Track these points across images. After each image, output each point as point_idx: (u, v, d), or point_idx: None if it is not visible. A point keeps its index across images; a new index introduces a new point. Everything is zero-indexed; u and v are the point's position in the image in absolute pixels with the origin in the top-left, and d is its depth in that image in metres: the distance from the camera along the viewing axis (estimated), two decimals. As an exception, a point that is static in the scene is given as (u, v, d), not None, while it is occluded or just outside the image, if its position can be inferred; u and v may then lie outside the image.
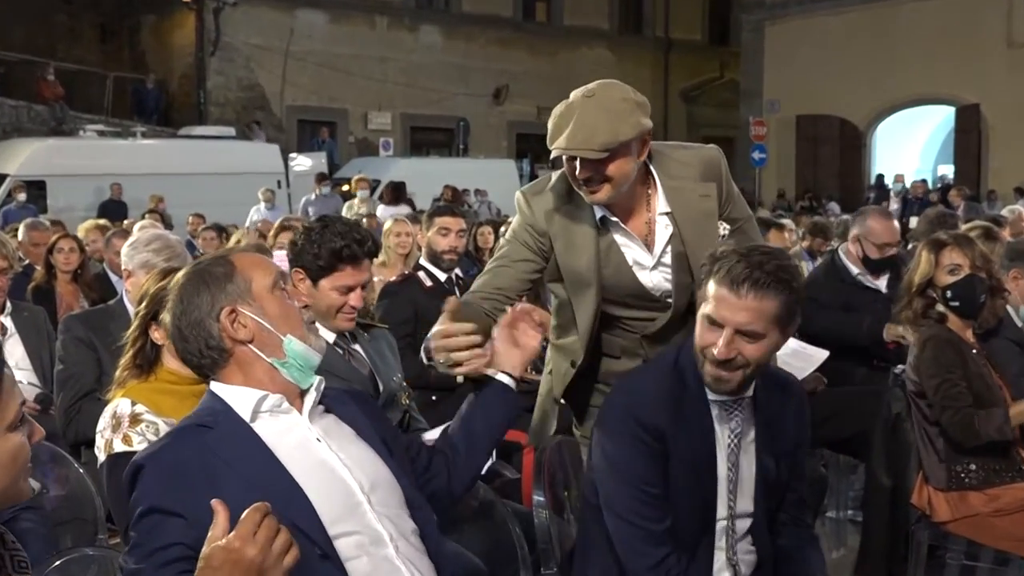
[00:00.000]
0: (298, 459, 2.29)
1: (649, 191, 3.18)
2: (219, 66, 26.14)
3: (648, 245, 3.20)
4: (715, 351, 2.54)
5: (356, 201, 15.74)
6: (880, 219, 5.73)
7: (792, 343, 5.14)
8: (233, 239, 8.61)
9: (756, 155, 26.36)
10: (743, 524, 2.77)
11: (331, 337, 3.60)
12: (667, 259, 3.19)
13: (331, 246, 3.56)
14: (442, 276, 5.48)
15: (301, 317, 2.42)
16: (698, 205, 3.18)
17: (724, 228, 3.23)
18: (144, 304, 3.33)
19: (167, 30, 27.14)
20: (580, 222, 3.18)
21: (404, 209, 14.13)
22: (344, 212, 13.73)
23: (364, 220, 10.31)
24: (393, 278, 5.91)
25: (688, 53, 33.23)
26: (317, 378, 2.42)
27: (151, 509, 2.10)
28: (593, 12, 31.69)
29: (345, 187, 18.45)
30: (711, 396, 2.67)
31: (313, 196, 17.36)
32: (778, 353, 2.89)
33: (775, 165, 27.11)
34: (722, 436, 2.70)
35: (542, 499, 3.22)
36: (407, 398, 4.00)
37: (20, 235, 8.35)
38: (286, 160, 21.30)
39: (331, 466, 2.32)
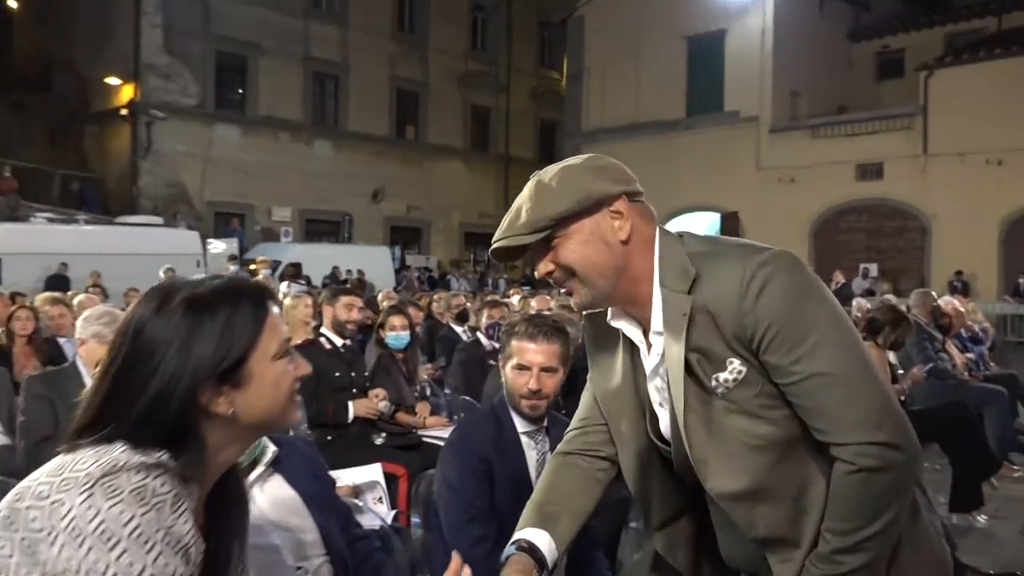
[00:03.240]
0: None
1: None
2: (150, 167, 25.36)
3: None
4: (528, 387, 2.80)
5: (260, 277, 15.48)
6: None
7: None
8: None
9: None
10: None
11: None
12: (661, 402, 1.83)
13: None
14: (339, 342, 5.44)
15: None
16: (677, 328, 1.70)
17: (735, 367, 1.66)
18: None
19: (107, 137, 26.24)
20: (609, 335, 1.91)
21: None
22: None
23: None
24: (298, 342, 5.85)
25: (524, 166, 33.43)
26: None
27: None
28: (450, 133, 32.04)
29: (252, 266, 18.12)
30: (520, 428, 2.87)
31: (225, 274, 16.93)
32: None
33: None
34: (531, 457, 2.88)
35: (418, 520, 3.24)
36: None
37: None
38: (204, 244, 20.73)
39: None
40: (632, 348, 1.84)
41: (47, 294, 8.35)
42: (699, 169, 24.00)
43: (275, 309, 1.42)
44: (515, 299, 10.49)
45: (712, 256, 1.72)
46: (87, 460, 1.25)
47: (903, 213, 22.98)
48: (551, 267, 1.77)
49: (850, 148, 23.31)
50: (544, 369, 2.82)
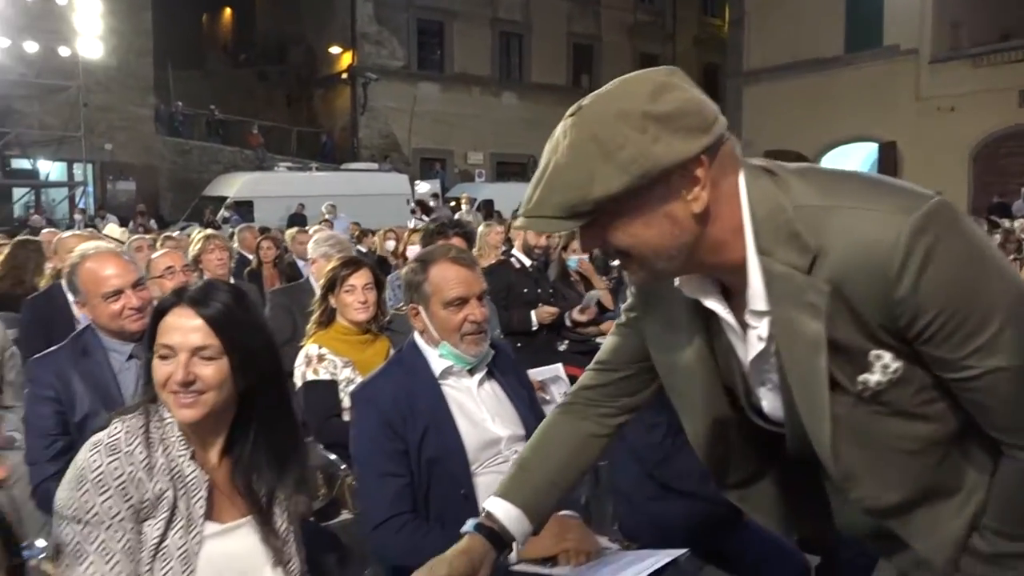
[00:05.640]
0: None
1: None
2: (367, 122, 26.28)
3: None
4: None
5: (463, 211, 15.84)
6: None
7: None
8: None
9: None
10: None
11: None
12: (769, 385, 1.26)
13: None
14: (527, 263, 5.39)
15: (459, 330, 2.17)
16: (799, 319, 1.11)
17: (886, 364, 1.11)
18: (325, 281, 3.33)
19: (331, 98, 27.35)
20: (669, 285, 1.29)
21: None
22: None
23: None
24: (491, 262, 5.82)
25: (688, 108, 32.49)
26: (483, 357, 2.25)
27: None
28: (621, 81, 31.20)
29: (452, 203, 18.51)
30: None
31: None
32: None
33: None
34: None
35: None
36: (502, 345, 3.99)
37: (235, 237, 8.44)
38: (412, 185, 21.29)
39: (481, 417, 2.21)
40: (706, 311, 1.24)
41: (295, 228, 8.82)
42: (857, 102, 22.22)
43: None
44: None
45: (837, 213, 1.08)
46: None
47: (1069, 136, 20.60)
48: (596, 244, 1.17)
49: (1013, 75, 21.00)
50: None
